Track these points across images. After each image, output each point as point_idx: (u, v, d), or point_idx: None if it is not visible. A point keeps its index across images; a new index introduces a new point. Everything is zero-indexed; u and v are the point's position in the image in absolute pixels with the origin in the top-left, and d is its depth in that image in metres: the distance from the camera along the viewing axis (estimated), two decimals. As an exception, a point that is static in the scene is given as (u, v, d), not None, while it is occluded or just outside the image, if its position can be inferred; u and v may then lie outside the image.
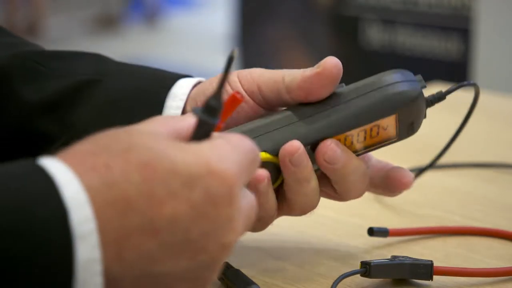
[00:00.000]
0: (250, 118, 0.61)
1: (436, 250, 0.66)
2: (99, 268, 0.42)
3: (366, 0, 2.36)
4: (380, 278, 0.60)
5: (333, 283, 0.58)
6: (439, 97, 0.62)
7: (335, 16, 2.48)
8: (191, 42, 4.65)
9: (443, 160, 0.86)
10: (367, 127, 0.60)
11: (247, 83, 0.61)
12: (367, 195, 0.69)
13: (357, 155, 0.60)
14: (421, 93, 0.60)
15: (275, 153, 0.59)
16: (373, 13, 2.36)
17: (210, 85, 0.63)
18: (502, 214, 0.74)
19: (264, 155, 0.58)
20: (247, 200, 0.48)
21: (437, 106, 0.62)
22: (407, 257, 0.61)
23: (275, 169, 0.59)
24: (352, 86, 0.60)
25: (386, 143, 0.61)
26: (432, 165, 0.74)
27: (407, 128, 0.61)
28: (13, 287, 0.40)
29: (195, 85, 0.64)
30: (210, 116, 0.48)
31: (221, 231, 0.45)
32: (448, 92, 0.62)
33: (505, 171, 0.84)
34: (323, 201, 0.62)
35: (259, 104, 0.61)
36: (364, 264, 0.59)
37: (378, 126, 0.60)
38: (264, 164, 0.58)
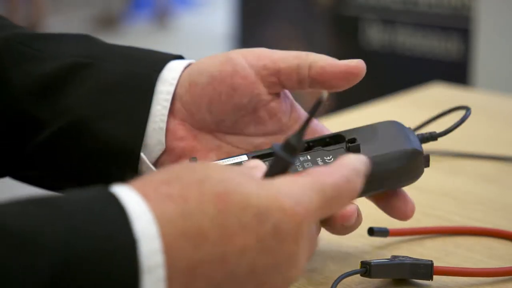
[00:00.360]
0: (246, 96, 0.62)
1: (436, 250, 0.66)
2: None
3: (366, 0, 2.36)
4: (380, 278, 0.60)
5: (333, 283, 0.58)
6: (431, 137, 0.63)
7: (335, 16, 2.48)
8: (191, 41, 4.65)
9: (444, 160, 0.86)
10: None
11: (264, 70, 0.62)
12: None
13: None
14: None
15: None
16: (373, 13, 2.36)
17: (205, 63, 0.62)
18: (502, 214, 0.74)
19: None
20: (312, 240, 0.48)
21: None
22: (407, 257, 0.61)
23: None
24: (376, 150, 0.60)
25: None
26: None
27: None
28: None
29: (186, 67, 0.64)
30: (288, 154, 0.48)
31: (284, 266, 0.45)
32: (442, 134, 0.63)
33: (505, 165, 0.84)
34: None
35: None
36: (364, 264, 0.59)
37: None
38: None
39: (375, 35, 2.35)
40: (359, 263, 0.59)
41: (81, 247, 0.40)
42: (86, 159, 0.63)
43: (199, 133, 0.63)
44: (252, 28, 2.79)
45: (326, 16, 2.53)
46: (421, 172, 0.61)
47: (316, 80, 0.61)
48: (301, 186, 0.46)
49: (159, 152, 0.63)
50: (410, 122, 1.00)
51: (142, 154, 0.62)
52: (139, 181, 0.45)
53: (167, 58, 0.64)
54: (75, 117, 0.62)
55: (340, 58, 0.61)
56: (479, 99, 1.13)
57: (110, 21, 4.77)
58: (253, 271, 0.44)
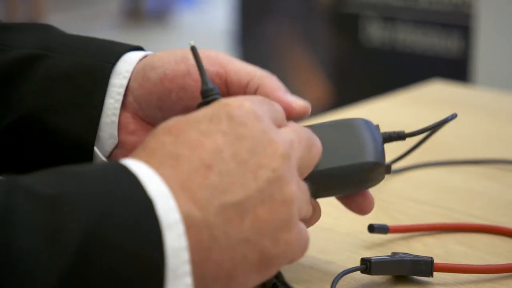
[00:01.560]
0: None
1: (437, 246, 0.66)
2: (185, 243, 0.45)
3: (366, -3, 2.36)
4: (380, 274, 0.60)
5: (334, 280, 0.58)
6: (398, 137, 0.61)
7: (335, 13, 2.48)
8: (191, 39, 4.65)
9: (444, 157, 0.86)
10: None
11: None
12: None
13: None
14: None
15: None
16: (374, 10, 2.36)
17: (160, 59, 0.62)
18: (503, 211, 0.74)
19: None
20: (290, 128, 0.52)
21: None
22: (407, 253, 0.61)
23: None
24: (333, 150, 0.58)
25: None
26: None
27: None
28: (116, 268, 0.43)
29: (142, 59, 0.63)
30: (212, 95, 0.54)
31: (262, 144, 0.49)
32: (411, 134, 0.61)
33: (505, 168, 0.84)
34: (324, 198, 0.62)
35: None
36: (365, 261, 0.59)
37: None
38: None
39: (375, 32, 2.35)
40: (360, 259, 0.60)
41: (108, 209, 0.44)
42: (41, 152, 0.63)
43: (151, 128, 0.63)
44: (252, 25, 2.79)
45: (326, 13, 2.53)
46: (382, 179, 0.60)
47: None
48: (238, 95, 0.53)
49: (112, 146, 0.62)
50: (409, 119, 1.01)
51: (95, 148, 0.62)
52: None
53: (123, 49, 0.64)
54: (28, 110, 0.62)
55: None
56: (479, 96, 1.13)
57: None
58: (241, 162, 0.48)
